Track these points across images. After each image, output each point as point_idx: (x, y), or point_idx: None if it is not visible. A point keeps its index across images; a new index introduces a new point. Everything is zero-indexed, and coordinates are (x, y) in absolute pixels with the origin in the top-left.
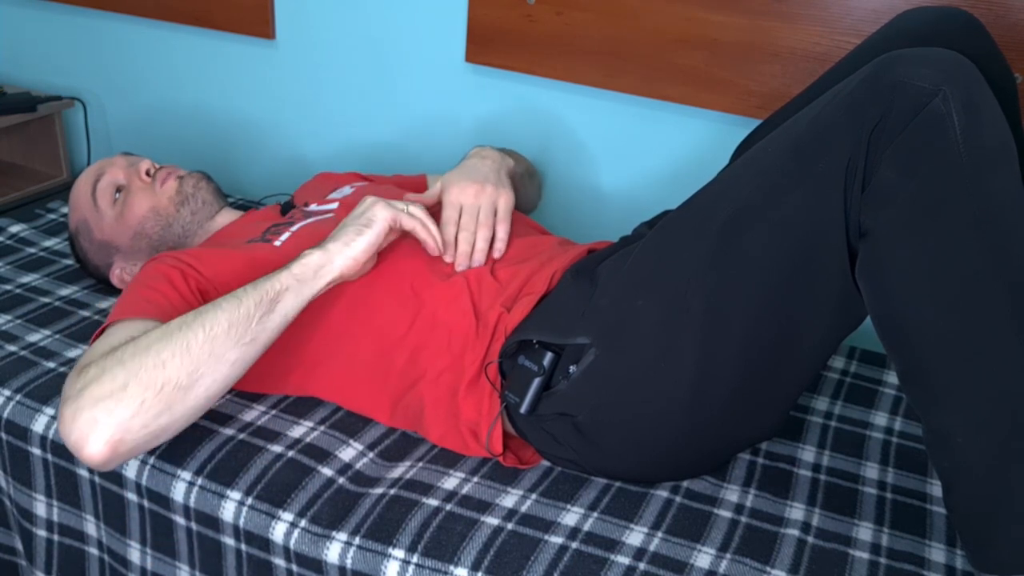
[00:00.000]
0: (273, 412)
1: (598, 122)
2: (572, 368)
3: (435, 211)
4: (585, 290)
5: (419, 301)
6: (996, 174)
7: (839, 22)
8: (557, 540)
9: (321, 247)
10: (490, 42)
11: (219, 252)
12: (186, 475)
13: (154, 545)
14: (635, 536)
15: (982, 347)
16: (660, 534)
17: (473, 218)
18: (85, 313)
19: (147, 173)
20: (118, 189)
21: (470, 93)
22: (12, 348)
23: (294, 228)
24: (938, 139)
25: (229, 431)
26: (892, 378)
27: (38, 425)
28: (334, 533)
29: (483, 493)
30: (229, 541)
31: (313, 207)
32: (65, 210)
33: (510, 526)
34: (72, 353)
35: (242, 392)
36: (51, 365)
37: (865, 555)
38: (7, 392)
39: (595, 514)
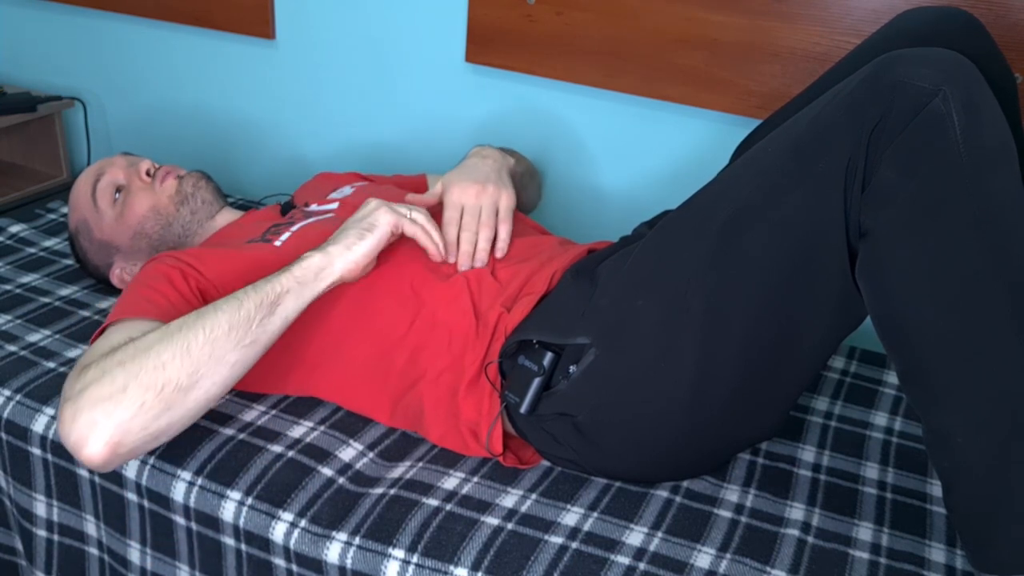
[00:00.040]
0: (273, 412)
1: (598, 122)
2: (572, 368)
3: (436, 211)
4: (585, 290)
5: (419, 301)
6: (996, 174)
7: (839, 22)
8: (557, 540)
9: (322, 249)
10: (490, 42)
11: (220, 252)
12: (186, 475)
13: (154, 545)
14: (635, 536)
15: (982, 347)
16: (660, 534)
17: (475, 218)
18: (85, 313)
19: (147, 173)
20: (118, 189)
21: (470, 93)
22: (12, 348)
23: (294, 228)
24: (938, 139)
25: (229, 431)
26: (892, 378)
27: (38, 425)
28: (334, 533)
29: (483, 493)
30: (229, 541)
31: (313, 207)
32: (65, 210)
33: (510, 526)
34: (72, 353)
35: (242, 392)
36: (51, 365)
37: (865, 555)
38: (7, 392)
39: (595, 514)
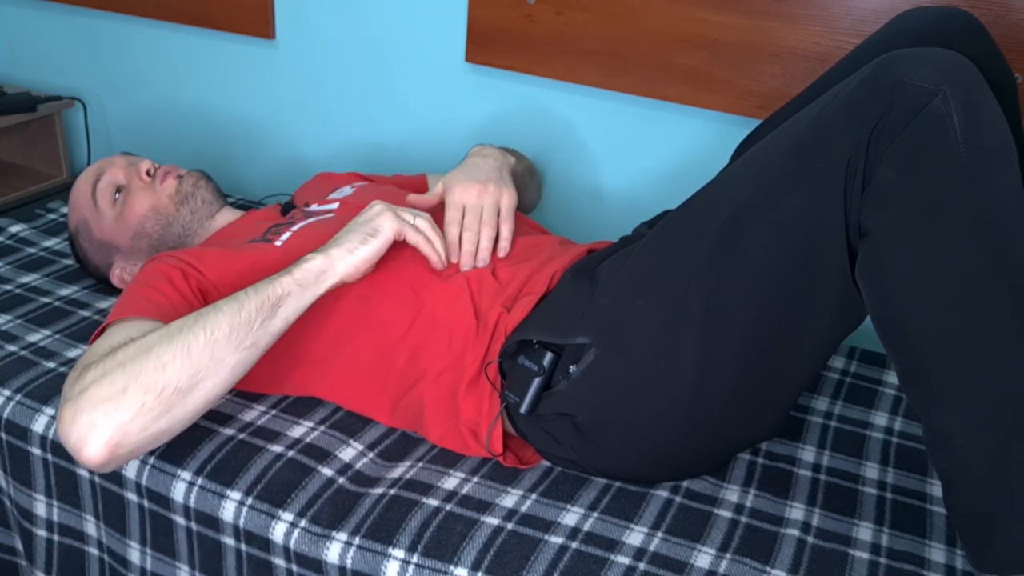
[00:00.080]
0: (273, 412)
1: (598, 122)
2: (572, 368)
3: (438, 211)
4: (585, 290)
5: (419, 301)
6: (996, 174)
7: (839, 22)
8: (557, 540)
9: (324, 251)
10: (490, 42)
11: (220, 252)
12: (186, 475)
13: (154, 545)
14: (635, 536)
15: (982, 347)
16: (660, 534)
17: (477, 218)
18: (85, 313)
19: (147, 173)
20: (118, 189)
21: (470, 93)
22: (12, 348)
23: (295, 228)
24: (938, 139)
25: (229, 431)
26: (892, 378)
27: (38, 425)
28: (334, 533)
29: (483, 493)
30: (229, 541)
31: (314, 207)
32: (65, 210)
33: (510, 526)
34: (72, 353)
35: (242, 392)
36: (51, 365)
37: (865, 555)
38: (7, 392)
39: (595, 514)
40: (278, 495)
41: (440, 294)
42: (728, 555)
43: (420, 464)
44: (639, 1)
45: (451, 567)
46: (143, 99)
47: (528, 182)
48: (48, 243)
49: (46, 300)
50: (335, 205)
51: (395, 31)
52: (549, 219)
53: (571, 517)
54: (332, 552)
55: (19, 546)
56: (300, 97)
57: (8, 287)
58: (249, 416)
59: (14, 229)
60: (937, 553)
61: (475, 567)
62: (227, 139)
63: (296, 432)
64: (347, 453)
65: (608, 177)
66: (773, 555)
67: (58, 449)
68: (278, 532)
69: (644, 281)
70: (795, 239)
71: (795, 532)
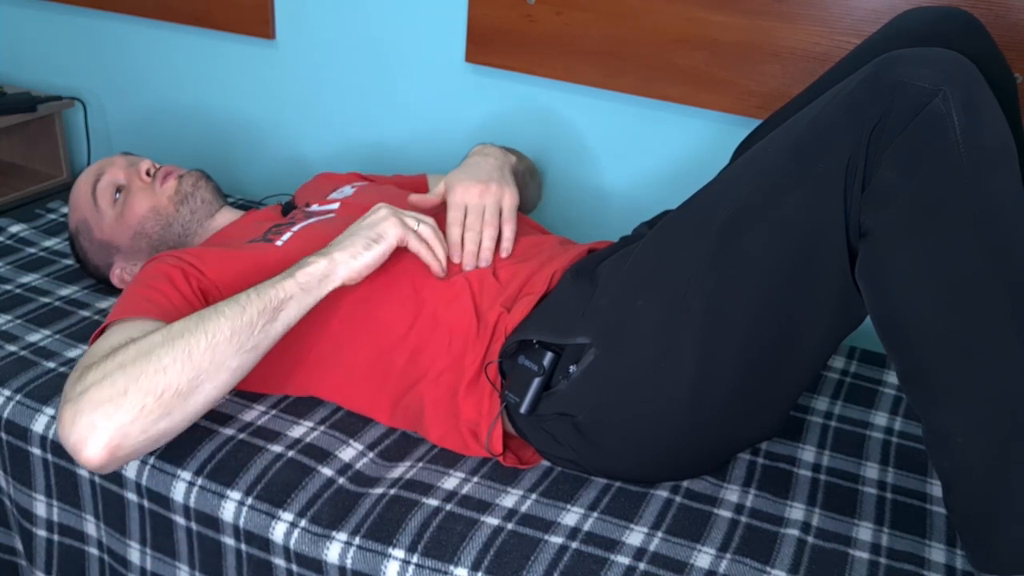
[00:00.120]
0: (273, 412)
1: (598, 122)
2: (572, 368)
3: (440, 211)
4: (585, 290)
5: (420, 301)
6: (996, 174)
7: (839, 22)
8: (557, 540)
9: (326, 255)
10: (490, 42)
11: (221, 252)
12: (186, 475)
13: (154, 545)
14: (635, 536)
15: (982, 347)
16: (660, 534)
17: (479, 218)
18: (85, 313)
19: (147, 173)
20: (118, 189)
21: (470, 93)
22: (12, 348)
23: (295, 228)
24: (938, 139)
25: (229, 431)
26: (892, 378)
27: (38, 425)
28: (334, 533)
29: (483, 493)
30: (229, 541)
31: (314, 207)
32: (65, 210)
33: (510, 526)
34: (72, 353)
35: (242, 392)
36: (51, 365)
37: (865, 555)
38: (7, 392)
39: (595, 514)
40: (278, 495)
41: (440, 294)
42: (728, 555)
43: (420, 464)
44: (639, 1)
45: (451, 567)
46: (143, 99)
47: (529, 182)
48: (48, 243)
49: (46, 300)
50: (336, 205)
51: (395, 31)
52: (549, 219)
53: (571, 517)
54: (332, 552)
55: (19, 546)
56: (300, 97)
57: (8, 287)
58: (249, 416)
59: (14, 229)
60: (937, 553)
61: (475, 567)
62: (227, 139)
63: (296, 432)
64: (347, 453)
65: (608, 177)
66: (773, 555)
67: (58, 449)
68: (278, 532)
69: (644, 281)
70: (795, 239)
71: (795, 532)
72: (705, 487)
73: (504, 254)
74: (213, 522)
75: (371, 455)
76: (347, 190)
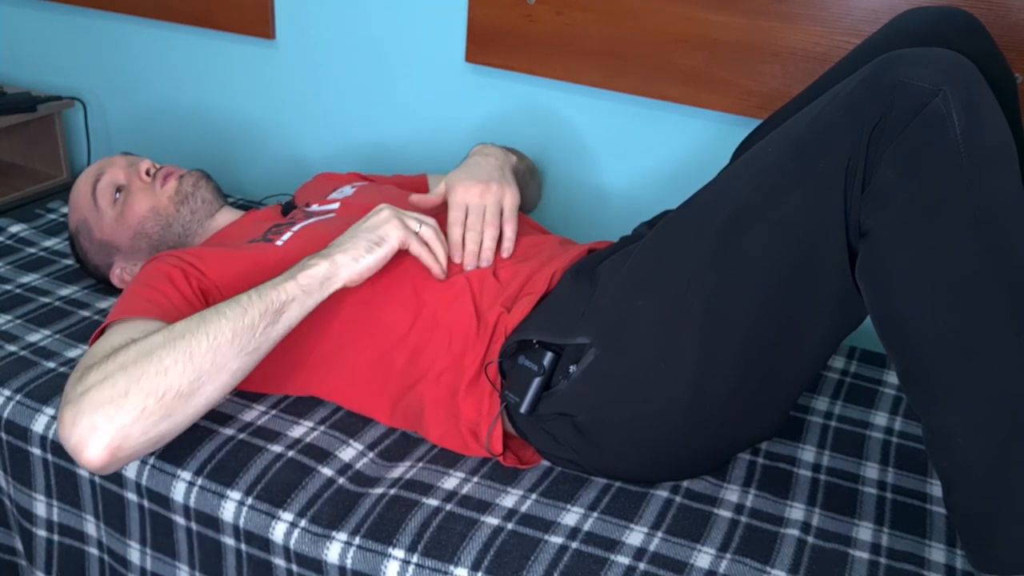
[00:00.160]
0: (273, 412)
1: (598, 122)
2: (572, 368)
3: (441, 211)
4: (585, 290)
5: (420, 301)
6: (996, 174)
7: (839, 22)
8: (557, 540)
9: (328, 257)
10: (490, 42)
11: (222, 252)
12: (186, 475)
13: (154, 545)
14: (635, 536)
15: (982, 347)
16: (660, 534)
17: (480, 218)
18: (85, 313)
19: (147, 173)
20: (118, 189)
21: (470, 93)
22: (12, 348)
23: (296, 228)
24: (938, 139)
25: (229, 431)
26: (892, 378)
27: (38, 425)
28: (334, 533)
29: (483, 493)
30: (229, 541)
31: (315, 207)
32: (65, 210)
33: (510, 526)
34: (72, 353)
35: (242, 392)
36: (51, 365)
37: (865, 555)
38: (7, 392)
39: (595, 514)
40: (278, 495)
41: (441, 294)
42: (728, 555)
43: (420, 464)
44: (639, 1)
45: (451, 567)
46: (143, 99)
47: (529, 182)
48: (48, 243)
49: (46, 300)
50: (336, 205)
51: (395, 31)
52: (549, 219)
53: (571, 517)
54: (332, 552)
55: (19, 546)
56: (300, 97)
57: (8, 287)
58: (249, 416)
59: (14, 229)
60: (937, 553)
61: (475, 567)
62: (227, 139)
63: (296, 432)
64: (347, 453)
65: (608, 177)
66: (773, 555)
67: (58, 449)
68: (278, 532)
69: (644, 281)
70: (795, 239)
71: (795, 532)
72: (705, 487)
73: (505, 254)
74: (213, 522)
75: (371, 455)
76: (347, 190)
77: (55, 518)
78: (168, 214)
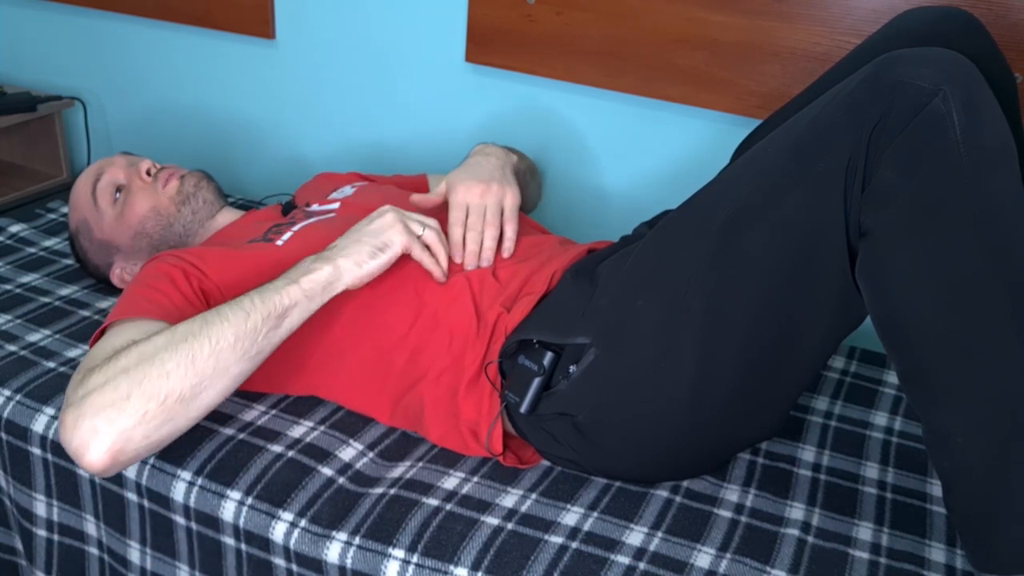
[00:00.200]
0: (273, 412)
1: (598, 122)
2: (572, 368)
3: (442, 211)
4: (585, 290)
5: (420, 302)
6: (996, 174)
7: (839, 22)
8: (557, 540)
9: (331, 261)
10: (490, 42)
11: (222, 253)
12: (186, 475)
13: (154, 545)
14: (635, 536)
15: (982, 347)
16: (660, 534)
17: (480, 217)
18: (85, 313)
19: (147, 173)
20: (118, 189)
21: (470, 93)
22: (12, 348)
23: (296, 228)
24: (938, 139)
25: (229, 431)
26: (892, 378)
27: (38, 425)
28: (334, 533)
29: (483, 493)
30: (229, 541)
31: (315, 207)
32: (65, 210)
33: (510, 526)
34: (72, 353)
35: (242, 392)
36: (51, 365)
37: (865, 555)
38: (7, 392)
39: (595, 514)
40: (278, 495)
41: (441, 295)
42: (728, 555)
43: (420, 464)
44: (639, 1)
45: (451, 567)
46: (143, 99)
47: (529, 182)
48: (48, 243)
49: (46, 300)
50: (336, 205)
51: (395, 31)
52: (549, 219)
53: (571, 517)
54: (332, 552)
55: (19, 546)
56: (300, 97)
57: (8, 287)
58: (249, 416)
59: (14, 229)
60: (937, 553)
61: (475, 567)
62: (227, 139)
63: (296, 432)
64: (347, 453)
65: (608, 177)
66: (773, 555)
67: (58, 449)
68: (278, 532)
69: (644, 281)
70: (795, 239)
71: (795, 532)
72: (705, 487)
73: (506, 254)
74: (213, 522)
75: (371, 455)
76: (347, 190)
77: (55, 518)
78: (169, 214)
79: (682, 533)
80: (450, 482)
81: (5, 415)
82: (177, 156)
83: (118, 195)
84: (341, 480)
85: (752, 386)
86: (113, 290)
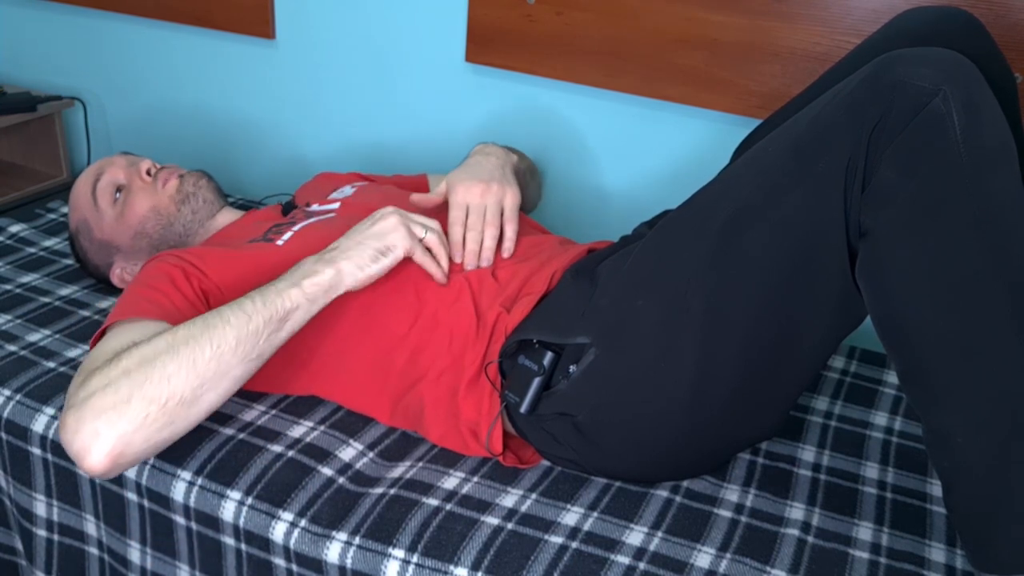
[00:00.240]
0: (273, 412)
1: (598, 122)
2: (572, 368)
3: (441, 211)
4: (585, 290)
5: (420, 302)
6: (996, 174)
7: (839, 22)
8: (557, 540)
9: (333, 264)
10: (490, 42)
11: (222, 253)
12: (186, 475)
13: (154, 545)
14: (635, 536)
15: (982, 347)
16: (660, 534)
17: (480, 217)
18: (85, 313)
19: (148, 173)
20: (118, 188)
21: (470, 93)
22: (12, 348)
23: (296, 228)
24: (938, 139)
25: (229, 431)
26: (892, 378)
27: (38, 425)
28: (334, 533)
29: (483, 493)
30: (229, 541)
31: (315, 207)
32: (65, 210)
33: (510, 526)
34: (72, 353)
35: (242, 392)
36: (51, 365)
37: (865, 555)
38: (7, 392)
39: (595, 514)
40: (278, 495)
41: (441, 295)
42: (728, 555)
43: (420, 464)
44: (639, 1)
45: (451, 567)
46: (143, 99)
47: (529, 181)
48: (48, 243)
49: (46, 300)
50: (336, 205)
51: (395, 31)
52: (549, 219)
53: (571, 517)
54: (332, 552)
55: (19, 546)
56: (300, 97)
57: (8, 287)
58: (249, 416)
59: (14, 229)
60: (937, 553)
61: (475, 567)
62: (227, 139)
63: (296, 432)
64: (347, 453)
65: (608, 177)
66: (773, 555)
67: (58, 449)
68: (278, 532)
69: (644, 281)
70: (795, 239)
71: (795, 532)
72: (705, 487)
73: (506, 254)
74: (213, 522)
75: (371, 455)
76: (347, 190)
77: (55, 518)
78: (169, 214)
79: (682, 533)
80: (450, 482)
81: (5, 415)
82: (177, 156)
83: (118, 195)
84: (341, 480)
85: (752, 386)
86: (113, 290)
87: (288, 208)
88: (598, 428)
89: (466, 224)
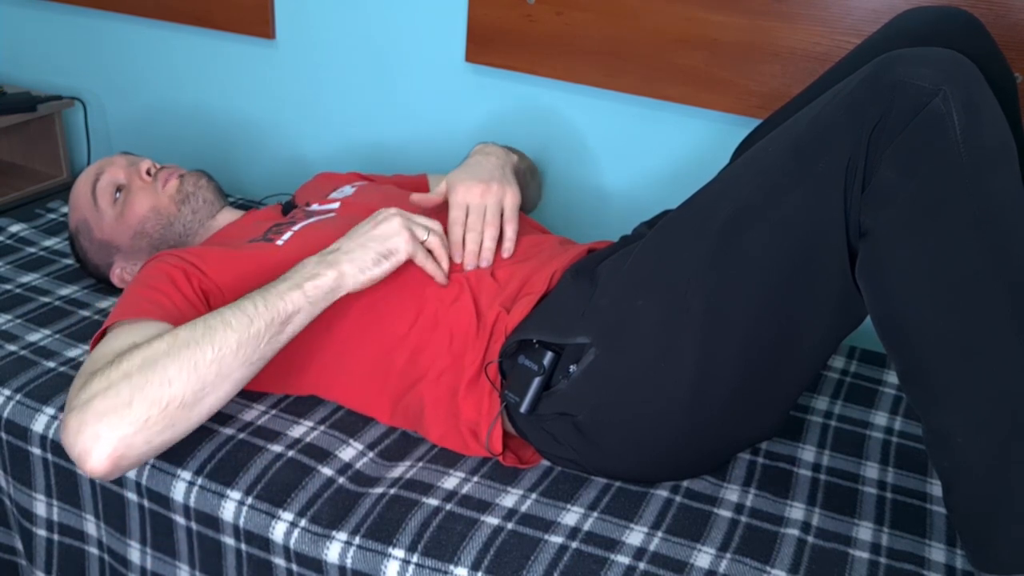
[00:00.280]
0: (273, 412)
1: (598, 122)
2: (572, 368)
3: (441, 211)
4: (585, 290)
5: (421, 302)
6: (996, 174)
7: (839, 22)
8: (557, 540)
9: (335, 266)
10: (490, 42)
11: (223, 253)
12: (186, 475)
13: (154, 545)
14: (635, 536)
15: (982, 347)
16: (660, 534)
17: (480, 217)
18: (85, 313)
19: (147, 172)
20: (118, 188)
21: (470, 93)
22: (12, 348)
23: (296, 228)
24: (938, 139)
25: (229, 431)
26: (892, 378)
27: (38, 425)
28: (334, 533)
29: (483, 493)
30: (229, 541)
31: (315, 207)
32: (65, 210)
33: (510, 526)
34: (72, 353)
35: (242, 392)
36: (51, 365)
37: (865, 555)
38: (7, 392)
39: (595, 514)
40: (278, 495)
41: (441, 295)
42: (728, 555)
43: (420, 464)
44: (639, 1)
45: (451, 567)
46: (143, 99)
47: (529, 181)
48: (48, 243)
49: (46, 300)
50: (336, 205)
51: (395, 31)
52: (549, 219)
53: (571, 517)
54: (332, 552)
55: (19, 546)
56: (300, 97)
57: (8, 287)
58: (249, 416)
59: (14, 229)
60: (937, 553)
61: (475, 567)
62: (227, 139)
63: (296, 432)
64: (347, 453)
65: (608, 177)
66: (773, 555)
67: (58, 449)
68: (278, 532)
69: (644, 281)
70: (795, 239)
71: (795, 532)
72: (705, 487)
73: (506, 254)
74: (213, 522)
75: (371, 455)
76: (347, 190)
77: (55, 518)
78: (169, 213)
79: (682, 533)
80: (450, 482)
81: (5, 415)
82: (177, 156)
83: (118, 195)
84: (341, 480)
85: (752, 386)
86: (113, 290)
87: (288, 208)
88: (598, 428)
89: (466, 224)
